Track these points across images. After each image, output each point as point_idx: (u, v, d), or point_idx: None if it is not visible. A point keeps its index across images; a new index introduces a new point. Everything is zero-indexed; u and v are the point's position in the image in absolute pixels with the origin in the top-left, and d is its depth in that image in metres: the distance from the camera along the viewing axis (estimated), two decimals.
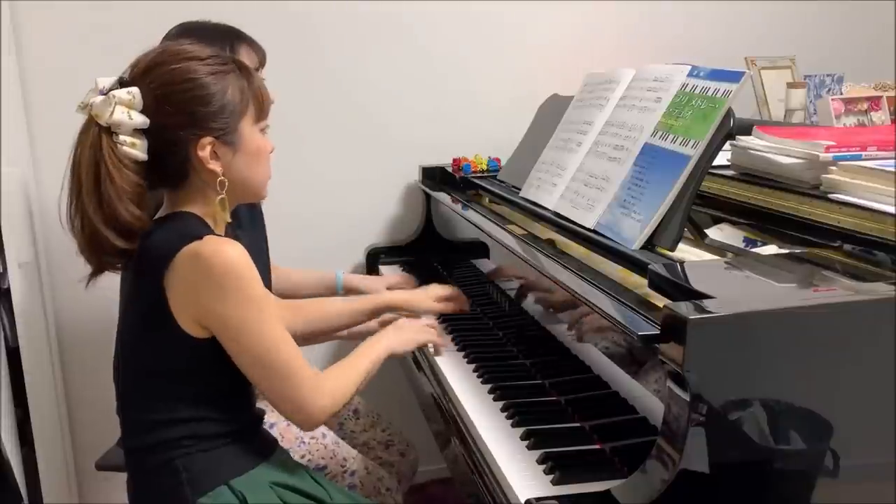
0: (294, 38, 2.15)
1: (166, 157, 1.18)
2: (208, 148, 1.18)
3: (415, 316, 1.61)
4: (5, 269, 1.82)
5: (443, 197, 2.06)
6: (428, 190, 2.18)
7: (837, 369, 0.95)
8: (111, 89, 1.16)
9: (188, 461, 1.18)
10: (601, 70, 1.65)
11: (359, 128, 2.25)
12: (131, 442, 1.25)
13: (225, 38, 1.59)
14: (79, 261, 2.08)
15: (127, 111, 1.14)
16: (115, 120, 1.13)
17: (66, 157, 2.11)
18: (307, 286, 1.86)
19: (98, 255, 1.18)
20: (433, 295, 1.62)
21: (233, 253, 1.14)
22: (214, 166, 1.19)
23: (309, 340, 1.58)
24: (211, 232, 1.18)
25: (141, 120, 1.15)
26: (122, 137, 1.15)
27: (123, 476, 1.32)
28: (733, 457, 0.93)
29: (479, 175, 2.10)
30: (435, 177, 2.23)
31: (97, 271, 1.21)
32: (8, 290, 1.82)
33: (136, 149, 1.15)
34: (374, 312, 1.60)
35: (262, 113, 1.25)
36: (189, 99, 1.16)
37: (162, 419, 1.19)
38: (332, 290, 1.87)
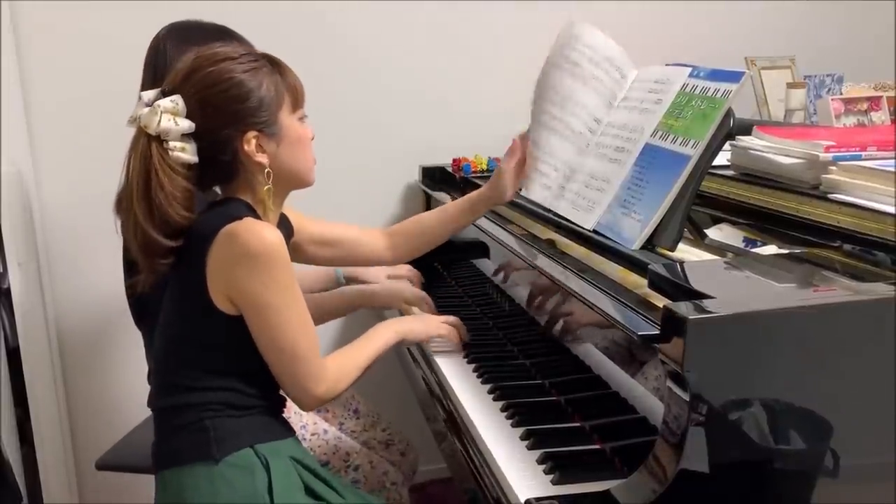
0: (293, 39, 2.15)
1: (215, 156, 1.23)
2: (253, 142, 1.23)
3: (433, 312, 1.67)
4: (5, 268, 1.82)
5: (443, 197, 2.06)
6: (428, 190, 2.18)
7: (837, 369, 0.95)
8: (155, 100, 1.21)
9: (217, 422, 1.22)
10: None
11: (359, 128, 2.25)
12: (162, 402, 1.28)
13: (215, 37, 1.57)
14: (79, 261, 2.09)
15: (172, 118, 1.20)
16: (162, 128, 1.19)
17: (66, 157, 2.12)
18: (308, 287, 1.85)
19: (151, 259, 1.23)
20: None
21: (268, 236, 1.19)
22: (261, 158, 1.24)
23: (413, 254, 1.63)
24: (253, 215, 1.23)
25: (187, 125, 1.20)
26: (171, 144, 1.20)
27: (124, 476, 1.32)
28: (733, 457, 0.93)
29: (479, 175, 2.10)
30: (435, 177, 2.23)
31: (150, 275, 1.25)
32: (8, 290, 1.83)
33: (185, 153, 1.21)
34: (473, 209, 1.57)
35: (297, 102, 1.29)
36: (229, 98, 1.21)
37: (194, 385, 1.23)
38: (335, 284, 1.86)
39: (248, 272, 1.18)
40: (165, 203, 1.19)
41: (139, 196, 1.20)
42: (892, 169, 1.17)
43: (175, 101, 1.20)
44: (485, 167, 2.14)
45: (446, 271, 2.08)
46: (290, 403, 1.59)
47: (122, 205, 1.24)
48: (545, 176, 1.54)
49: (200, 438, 1.21)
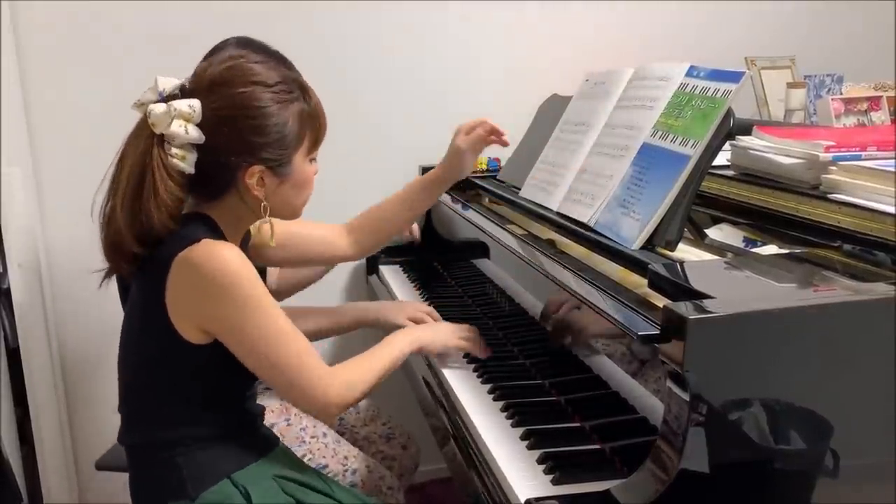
0: (293, 38, 2.14)
1: (212, 174, 1.17)
2: (257, 176, 1.17)
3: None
4: (5, 269, 1.82)
5: (443, 197, 2.05)
6: None
7: (837, 369, 0.95)
8: (171, 95, 1.14)
9: (188, 458, 1.18)
10: (601, 70, 1.65)
11: (359, 128, 2.25)
12: (131, 438, 1.25)
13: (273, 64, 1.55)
14: (79, 260, 2.09)
15: (184, 124, 1.12)
16: (170, 132, 1.12)
17: (67, 157, 2.12)
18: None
19: (116, 259, 1.18)
20: None
21: (227, 255, 1.12)
22: (259, 193, 1.18)
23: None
24: (213, 235, 1.17)
25: (196, 135, 1.13)
26: (173, 150, 1.13)
27: (123, 476, 1.32)
28: (733, 457, 0.93)
29: (479, 175, 2.10)
30: None
31: (112, 272, 1.21)
32: (8, 290, 1.83)
33: (184, 162, 1.14)
34: (432, 188, 1.52)
35: (317, 143, 1.24)
36: (249, 127, 1.14)
37: (161, 419, 1.19)
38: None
39: (217, 299, 1.11)
40: (155, 209, 1.12)
41: (128, 194, 1.13)
42: (892, 169, 1.17)
43: (193, 107, 1.12)
44: (485, 167, 2.14)
45: (446, 271, 2.08)
46: (290, 405, 1.59)
47: (107, 193, 1.17)
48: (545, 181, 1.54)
49: (173, 477, 1.17)
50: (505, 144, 1.52)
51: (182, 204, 1.16)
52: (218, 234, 1.18)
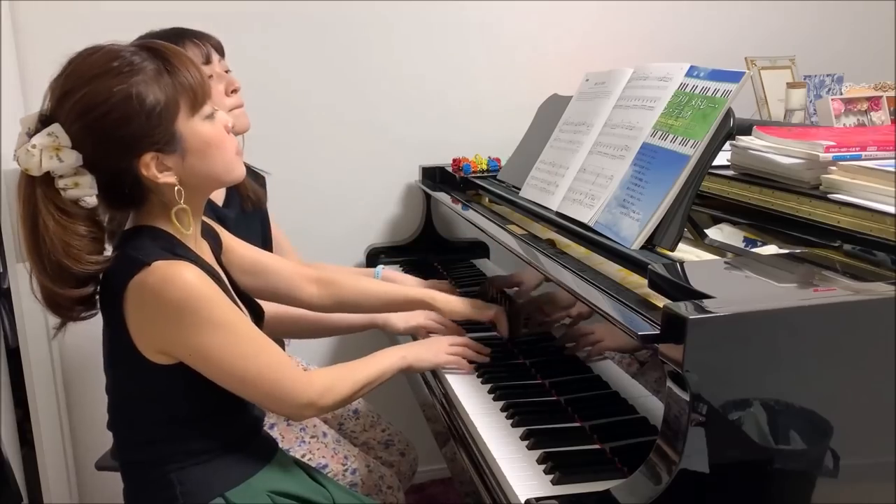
0: (295, 38, 2.15)
1: (117, 185, 1.09)
2: (152, 164, 1.08)
3: (442, 333, 1.59)
4: (5, 268, 1.82)
5: (443, 197, 2.06)
6: (428, 190, 2.18)
7: (837, 369, 0.95)
8: (35, 131, 1.05)
9: (182, 475, 1.14)
10: (601, 70, 1.66)
11: (359, 128, 2.25)
12: (124, 456, 1.22)
13: (167, 40, 1.54)
14: None
15: (55, 154, 1.03)
16: (47, 167, 1.03)
17: None
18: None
19: (63, 313, 1.11)
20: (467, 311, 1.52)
21: (185, 277, 1.05)
22: (167, 178, 1.09)
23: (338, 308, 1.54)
24: (167, 248, 1.10)
25: (73, 158, 1.04)
26: (61, 183, 1.05)
27: None
28: (733, 457, 0.93)
29: (479, 175, 2.10)
30: (435, 177, 2.24)
31: (64, 322, 1.14)
32: (8, 290, 1.83)
33: (80, 188, 1.05)
34: (408, 304, 1.53)
35: (197, 101, 1.10)
36: (109, 124, 1.04)
37: (150, 438, 1.15)
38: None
39: (177, 325, 1.05)
40: (64, 255, 1.04)
41: (28, 248, 1.06)
42: (892, 169, 1.17)
43: (54, 134, 1.03)
44: (485, 167, 2.14)
45: (446, 271, 2.08)
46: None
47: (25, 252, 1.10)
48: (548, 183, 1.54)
49: (167, 495, 1.13)
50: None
51: (98, 233, 1.09)
52: (172, 244, 1.12)
